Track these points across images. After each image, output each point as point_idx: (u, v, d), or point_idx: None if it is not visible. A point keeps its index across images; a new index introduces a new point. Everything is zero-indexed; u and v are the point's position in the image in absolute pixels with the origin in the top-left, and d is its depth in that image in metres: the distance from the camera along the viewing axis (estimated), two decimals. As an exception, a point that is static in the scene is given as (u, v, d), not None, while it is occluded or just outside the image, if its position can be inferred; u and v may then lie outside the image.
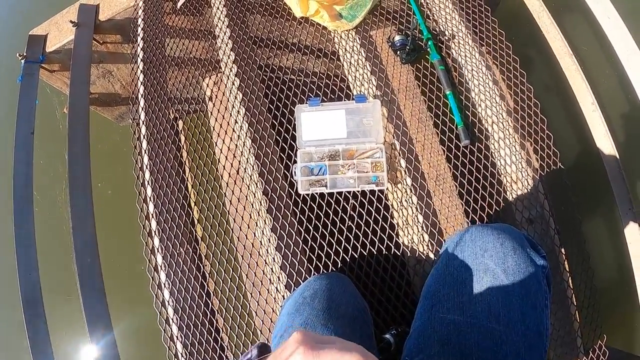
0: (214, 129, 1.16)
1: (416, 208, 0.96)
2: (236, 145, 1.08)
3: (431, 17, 1.16)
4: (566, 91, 1.45)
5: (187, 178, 1.19)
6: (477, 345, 0.55)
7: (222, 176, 1.12)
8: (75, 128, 1.27)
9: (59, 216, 1.47)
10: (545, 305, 0.59)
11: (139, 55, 1.25)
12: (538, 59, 1.73)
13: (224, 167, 1.09)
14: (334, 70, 1.16)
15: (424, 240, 0.95)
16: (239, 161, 1.07)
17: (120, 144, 1.81)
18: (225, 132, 1.11)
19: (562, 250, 1.00)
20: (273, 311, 0.95)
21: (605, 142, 1.33)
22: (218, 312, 1.02)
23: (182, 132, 1.45)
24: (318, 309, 0.69)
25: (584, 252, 1.03)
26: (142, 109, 1.17)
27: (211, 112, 1.19)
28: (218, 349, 0.96)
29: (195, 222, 1.13)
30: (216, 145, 1.13)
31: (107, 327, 1.07)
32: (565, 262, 0.97)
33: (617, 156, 1.30)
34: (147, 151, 1.14)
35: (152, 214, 1.10)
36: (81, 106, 1.29)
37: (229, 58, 1.15)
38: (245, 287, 1.00)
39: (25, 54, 1.43)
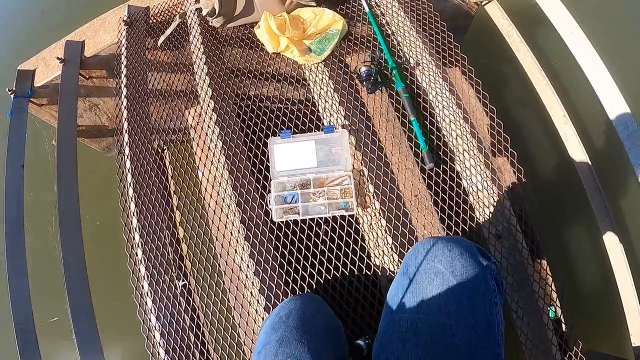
0: (199, 158, 1.22)
1: (385, 230, 1.02)
2: (214, 176, 1.14)
3: (396, 46, 1.23)
4: (539, 106, 1.52)
5: (173, 204, 1.25)
6: (432, 339, 0.63)
7: (204, 200, 1.18)
8: (64, 160, 1.32)
9: (50, 246, 1.52)
10: (494, 302, 0.66)
11: (122, 91, 1.32)
12: (512, 76, 1.80)
13: (208, 193, 1.15)
14: (306, 95, 1.22)
15: (393, 260, 1.00)
16: (217, 191, 1.13)
17: (108, 175, 1.86)
18: (209, 160, 1.18)
19: (532, 262, 1.06)
20: (256, 327, 1.00)
21: (578, 153, 1.39)
22: (204, 327, 1.07)
23: (169, 160, 1.51)
24: (292, 327, 0.76)
25: (557, 263, 1.09)
26: (127, 144, 1.23)
27: (194, 140, 1.25)
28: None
29: (182, 246, 1.18)
30: (200, 172, 1.19)
31: (98, 353, 1.12)
32: (534, 273, 1.02)
33: (591, 165, 1.36)
34: (132, 184, 1.20)
35: (138, 244, 1.15)
36: (69, 138, 1.35)
37: (206, 94, 1.21)
38: (229, 301, 1.05)
39: (14, 89, 1.48)
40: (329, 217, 1.04)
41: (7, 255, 1.30)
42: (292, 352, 0.70)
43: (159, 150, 1.29)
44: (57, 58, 1.45)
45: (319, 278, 1.02)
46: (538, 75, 1.48)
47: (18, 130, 1.45)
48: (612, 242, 1.31)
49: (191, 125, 1.32)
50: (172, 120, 1.39)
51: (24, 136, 1.46)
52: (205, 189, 1.15)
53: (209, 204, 1.13)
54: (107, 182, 1.81)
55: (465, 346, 0.62)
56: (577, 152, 1.41)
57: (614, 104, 1.22)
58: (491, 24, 1.58)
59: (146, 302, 1.11)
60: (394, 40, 1.24)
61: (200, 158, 1.19)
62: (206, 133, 1.18)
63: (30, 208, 1.41)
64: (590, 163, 1.37)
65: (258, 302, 1.02)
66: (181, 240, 1.22)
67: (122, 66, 1.37)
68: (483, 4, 1.53)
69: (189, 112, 1.39)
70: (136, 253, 1.16)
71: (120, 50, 1.42)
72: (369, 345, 0.88)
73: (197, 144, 1.21)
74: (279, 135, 1.08)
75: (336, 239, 1.03)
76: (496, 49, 1.66)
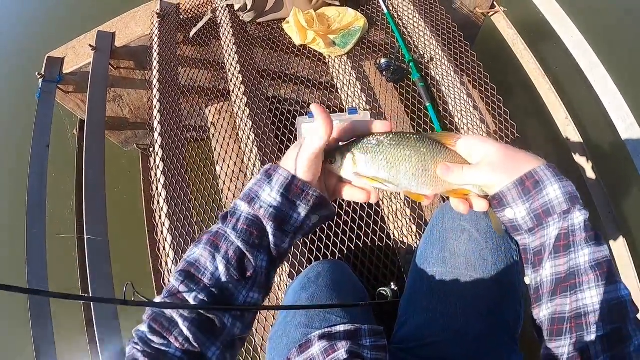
0: (219, 154, 1.28)
1: (403, 203, 1.09)
2: (240, 168, 1.20)
3: (412, 43, 1.34)
4: (542, 108, 1.62)
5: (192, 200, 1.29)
6: (459, 291, 0.66)
7: (222, 192, 1.24)
8: (92, 141, 1.38)
9: (67, 228, 1.55)
10: (515, 261, 0.68)
11: (154, 85, 1.39)
12: (516, 83, 1.92)
13: (227, 186, 1.21)
14: (329, 89, 1.32)
15: (412, 231, 1.07)
16: (243, 183, 1.18)
17: (125, 167, 1.92)
18: (230, 156, 1.25)
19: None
20: (279, 294, 1.04)
21: (581, 152, 1.49)
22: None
23: (187, 157, 1.56)
24: (322, 286, 0.78)
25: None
26: (159, 134, 1.30)
27: (214, 137, 1.32)
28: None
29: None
30: (219, 166, 1.26)
31: (117, 332, 1.11)
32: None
33: (593, 164, 1.45)
34: (164, 172, 1.25)
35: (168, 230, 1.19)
36: (98, 120, 1.41)
37: (239, 90, 1.29)
38: None
39: (43, 74, 1.55)
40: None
41: (27, 229, 1.33)
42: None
43: (181, 146, 1.34)
44: (90, 45, 1.53)
45: (341, 246, 1.07)
46: (541, 80, 1.60)
47: (45, 111, 1.51)
48: (614, 236, 1.37)
49: (211, 122, 1.39)
50: (193, 119, 1.45)
51: (50, 117, 1.52)
52: (229, 178, 1.21)
53: (231, 192, 1.19)
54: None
55: (491, 299, 0.64)
56: (579, 151, 1.50)
57: (613, 100, 1.33)
58: (497, 34, 1.71)
59: (170, 270, 1.15)
60: (410, 38, 1.36)
61: (224, 149, 1.25)
62: (239, 126, 1.25)
63: (50, 189, 1.44)
64: (592, 162, 1.46)
65: (282, 269, 1.07)
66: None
67: (154, 57, 1.46)
68: (490, 14, 1.66)
69: (210, 110, 1.46)
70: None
71: (152, 42, 1.50)
72: (394, 291, 0.92)
73: (217, 140, 1.28)
74: (306, 115, 1.16)
75: (358, 209, 1.09)
76: (500, 58, 1.79)
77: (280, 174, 0.43)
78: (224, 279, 0.42)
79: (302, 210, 0.44)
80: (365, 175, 0.45)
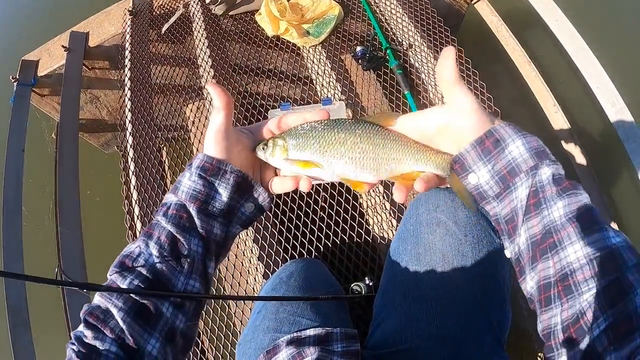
0: (196, 152, 1.23)
1: (383, 196, 1.04)
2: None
3: (390, 30, 1.29)
4: (528, 96, 1.57)
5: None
6: (435, 291, 0.59)
7: None
8: (65, 143, 1.34)
9: (46, 233, 1.51)
10: (500, 255, 0.61)
11: (126, 84, 1.35)
12: (502, 71, 1.87)
13: None
14: (303, 81, 1.27)
15: (392, 225, 1.02)
16: None
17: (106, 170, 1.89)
18: None
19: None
20: (251, 302, 0.99)
21: (570, 140, 1.43)
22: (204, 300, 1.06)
23: (166, 158, 1.52)
24: (294, 287, 0.74)
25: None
26: (130, 134, 1.25)
27: (193, 137, 1.28)
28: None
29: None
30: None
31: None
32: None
33: (582, 150, 1.39)
34: (134, 173, 1.21)
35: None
36: (71, 123, 1.38)
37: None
38: (225, 279, 1.04)
39: (17, 77, 1.52)
40: (327, 184, 1.06)
41: (4, 235, 1.30)
42: (294, 310, 0.69)
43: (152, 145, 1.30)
44: (62, 46, 1.49)
45: (318, 244, 1.02)
46: (527, 67, 1.54)
47: (20, 115, 1.48)
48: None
49: (192, 120, 1.35)
50: (172, 118, 1.41)
51: (25, 122, 1.49)
52: None
53: None
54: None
55: (471, 300, 0.58)
56: (568, 139, 1.45)
57: (601, 85, 1.28)
58: (481, 22, 1.66)
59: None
60: (387, 25, 1.31)
61: (196, 153, 1.21)
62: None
63: (27, 194, 1.41)
64: (581, 149, 1.41)
65: (257, 270, 1.02)
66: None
67: (126, 55, 1.42)
68: (473, 2, 1.61)
69: (190, 109, 1.42)
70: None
71: (124, 40, 1.47)
72: (369, 286, 0.87)
73: (202, 133, 1.24)
74: (279, 108, 1.11)
75: (335, 205, 1.05)
76: (485, 46, 1.74)
77: (197, 157, 0.43)
78: (158, 264, 0.41)
79: (223, 190, 0.43)
80: (297, 159, 0.42)
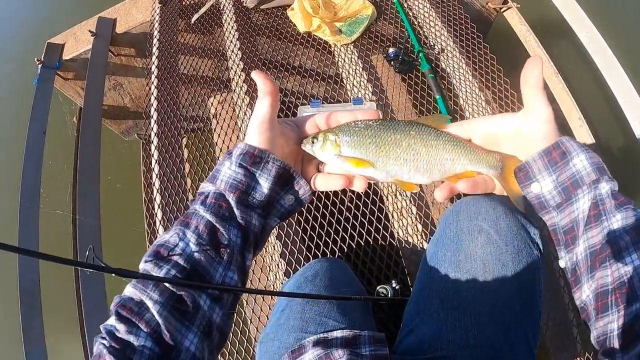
0: (216, 145, 1.23)
1: (410, 200, 1.03)
2: None
3: (422, 34, 1.28)
4: (554, 108, 1.56)
5: (188, 191, 1.24)
6: (474, 299, 0.58)
7: None
8: (88, 128, 1.34)
9: (63, 217, 1.51)
10: (538, 267, 0.60)
11: (153, 72, 1.34)
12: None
13: None
14: (334, 79, 1.26)
15: (417, 230, 1.01)
16: None
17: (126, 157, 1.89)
18: (229, 147, 1.19)
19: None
20: (271, 297, 0.98)
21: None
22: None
23: (185, 149, 1.51)
24: (319, 286, 0.73)
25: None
26: (155, 122, 1.25)
27: (215, 129, 1.27)
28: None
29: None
30: (218, 158, 1.20)
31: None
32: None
33: (606, 165, 1.38)
34: (157, 161, 1.20)
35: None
36: (95, 109, 1.37)
37: (239, 77, 1.24)
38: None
39: (42, 60, 1.51)
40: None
41: (20, 217, 1.29)
42: (320, 310, 0.67)
43: (177, 135, 1.29)
44: (89, 31, 1.49)
45: (342, 244, 1.01)
46: (554, 79, 1.53)
47: (43, 98, 1.48)
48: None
49: (213, 113, 1.34)
50: (193, 109, 1.40)
51: (48, 104, 1.49)
52: None
53: None
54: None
55: (509, 311, 0.57)
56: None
57: (628, 99, 1.26)
58: (509, 30, 1.65)
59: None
60: (420, 28, 1.30)
61: (224, 141, 1.21)
62: (237, 115, 1.20)
63: (45, 176, 1.41)
64: (604, 163, 1.40)
65: (278, 267, 1.01)
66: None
67: (154, 44, 1.41)
68: (502, 10, 1.60)
69: (211, 101, 1.41)
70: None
71: (153, 28, 1.46)
72: (395, 290, 0.86)
73: (222, 127, 1.23)
74: (309, 104, 1.10)
75: (361, 205, 1.04)
76: (512, 55, 1.72)
77: (238, 146, 0.42)
78: (196, 254, 0.39)
79: (264, 181, 0.42)
80: (350, 157, 0.42)
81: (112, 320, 0.37)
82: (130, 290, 0.38)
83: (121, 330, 0.35)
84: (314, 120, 0.46)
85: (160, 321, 0.36)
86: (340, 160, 0.42)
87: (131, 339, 0.35)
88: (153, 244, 0.41)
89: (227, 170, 0.41)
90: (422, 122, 0.42)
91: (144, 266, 0.39)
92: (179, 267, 0.38)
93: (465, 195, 0.44)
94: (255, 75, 0.41)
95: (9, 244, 0.33)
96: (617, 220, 0.36)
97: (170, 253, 0.39)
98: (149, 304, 0.37)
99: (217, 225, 0.40)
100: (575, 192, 0.38)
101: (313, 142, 0.43)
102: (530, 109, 0.40)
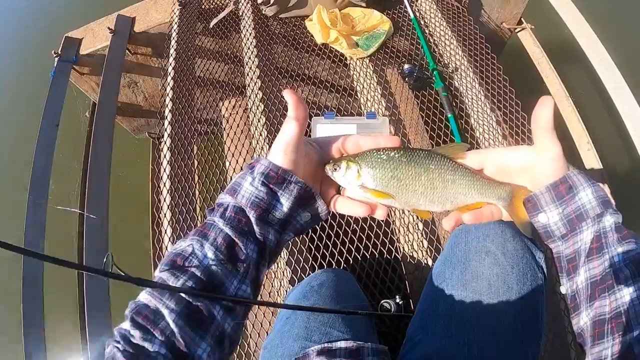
0: (228, 149, 1.24)
1: (416, 216, 1.04)
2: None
3: (437, 51, 1.30)
4: (563, 131, 1.57)
5: (197, 194, 1.25)
6: (479, 318, 0.60)
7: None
8: (102, 124, 1.35)
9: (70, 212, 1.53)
10: (541, 291, 0.63)
11: (169, 73, 1.36)
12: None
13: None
14: (348, 92, 1.27)
15: (422, 246, 1.02)
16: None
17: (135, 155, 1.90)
18: (240, 152, 1.21)
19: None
20: (279, 300, 0.99)
21: (600, 179, 1.42)
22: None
23: (198, 150, 1.52)
24: (325, 296, 0.74)
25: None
26: (169, 123, 1.26)
27: (226, 132, 1.28)
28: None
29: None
30: (228, 161, 1.21)
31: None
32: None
33: (612, 192, 1.38)
34: (169, 162, 1.21)
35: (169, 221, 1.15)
36: (109, 106, 1.39)
37: (255, 84, 1.25)
38: None
39: (59, 53, 1.53)
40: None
41: (28, 209, 1.30)
42: (325, 320, 0.69)
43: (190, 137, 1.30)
44: (108, 28, 1.51)
45: (347, 256, 1.02)
46: (565, 102, 1.54)
47: (58, 90, 1.49)
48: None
49: (225, 116, 1.35)
50: (207, 112, 1.41)
51: (62, 97, 1.50)
52: (231, 177, 1.17)
53: None
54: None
55: (511, 332, 0.59)
56: (598, 178, 1.44)
57: (637, 127, 1.27)
58: (522, 51, 1.66)
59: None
60: (435, 46, 1.31)
61: (236, 146, 1.22)
62: (251, 122, 1.21)
63: (55, 172, 1.42)
64: (610, 189, 1.40)
65: (284, 274, 1.03)
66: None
67: (172, 45, 1.43)
68: (516, 31, 1.62)
69: (224, 105, 1.42)
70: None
71: (172, 30, 1.48)
72: (398, 305, 0.87)
73: (229, 135, 1.24)
74: (322, 116, 1.11)
75: (368, 218, 1.05)
76: (524, 75, 1.74)
77: (261, 163, 0.43)
78: (213, 266, 0.40)
79: (285, 201, 0.43)
80: (372, 189, 0.43)
81: (126, 325, 0.37)
82: (146, 297, 0.39)
83: (136, 336, 0.36)
84: (338, 143, 0.47)
85: (175, 330, 0.37)
86: (362, 191, 0.44)
87: (146, 345, 0.36)
88: (169, 251, 0.42)
89: (249, 187, 0.42)
90: (441, 153, 0.44)
91: (161, 274, 0.40)
92: (195, 278, 0.39)
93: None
94: (288, 96, 0.41)
95: (28, 249, 0.34)
96: (619, 253, 0.38)
97: (186, 263, 0.40)
98: (165, 312, 0.38)
99: (236, 240, 0.41)
100: (579, 225, 0.40)
101: (336, 169, 0.44)
102: (541, 148, 0.41)
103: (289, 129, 0.42)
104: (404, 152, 0.44)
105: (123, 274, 0.48)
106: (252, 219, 0.42)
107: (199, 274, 0.39)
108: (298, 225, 0.46)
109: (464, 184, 0.44)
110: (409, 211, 1.06)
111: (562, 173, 0.41)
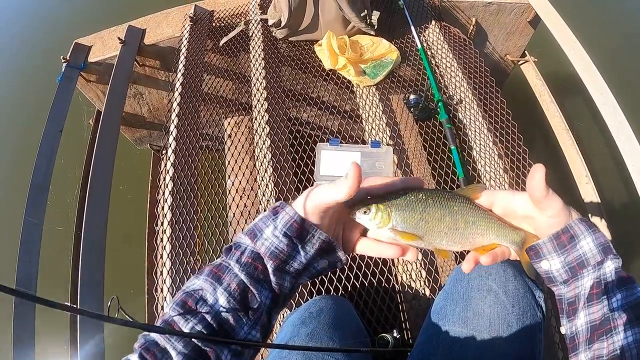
0: (232, 168, 1.24)
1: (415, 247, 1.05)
2: (251, 185, 1.16)
3: (442, 83, 1.33)
4: (562, 164, 1.59)
5: (199, 211, 1.24)
6: (479, 356, 0.61)
7: (229, 207, 1.19)
8: (106, 133, 1.35)
9: (67, 217, 1.52)
10: (539, 329, 0.66)
11: (177, 88, 1.37)
12: (538, 134, 1.89)
13: (235, 202, 1.17)
14: (353, 118, 1.29)
15: (421, 276, 1.02)
16: (260, 200, 1.15)
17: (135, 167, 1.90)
18: (242, 172, 1.21)
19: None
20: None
21: (598, 213, 1.45)
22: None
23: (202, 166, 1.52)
24: (324, 323, 0.74)
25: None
26: (174, 139, 1.26)
27: (229, 149, 1.29)
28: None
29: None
30: (230, 180, 1.22)
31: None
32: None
33: (609, 226, 1.40)
34: (172, 178, 1.21)
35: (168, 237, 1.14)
36: (114, 115, 1.39)
37: (262, 106, 1.27)
38: None
39: (68, 58, 1.54)
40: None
41: (27, 210, 1.29)
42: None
43: (194, 154, 1.30)
44: (118, 38, 1.52)
45: (346, 283, 1.03)
46: (565, 135, 1.57)
47: (64, 96, 1.49)
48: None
49: (228, 133, 1.36)
50: (210, 127, 1.42)
51: (68, 103, 1.50)
52: (233, 198, 1.19)
53: (233, 214, 1.15)
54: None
55: None
56: (596, 212, 1.46)
57: (636, 163, 1.29)
58: (524, 83, 1.70)
59: (165, 281, 1.11)
60: (441, 77, 1.34)
61: (236, 161, 1.22)
62: (256, 143, 1.22)
63: (57, 175, 1.41)
64: (608, 224, 1.42)
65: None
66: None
67: (181, 60, 1.44)
68: (520, 63, 1.65)
69: (228, 122, 1.43)
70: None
71: (182, 45, 1.49)
72: (396, 339, 0.87)
73: (236, 148, 1.26)
74: (327, 142, 1.13)
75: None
76: (524, 107, 1.77)
77: (286, 212, 0.42)
78: (224, 312, 0.40)
79: (306, 253, 0.43)
80: (403, 232, 0.44)
81: (134, 358, 0.38)
82: (156, 335, 0.39)
83: None
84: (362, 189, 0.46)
85: None
86: (393, 234, 0.44)
87: None
88: (181, 290, 0.42)
89: (271, 236, 0.41)
90: (461, 194, 0.46)
91: (171, 314, 0.40)
92: (205, 322, 0.39)
93: None
94: (353, 168, 0.39)
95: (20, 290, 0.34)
96: (618, 299, 0.40)
97: (197, 306, 0.40)
98: (172, 353, 0.38)
99: (250, 287, 0.41)
100: (581, 271, 0.42)
101: (365, 212, 0.44)
102: (542, 208, 0.43)
103: (333, 194, 0.40)
104: (430, 193, 0.45)
105: (130, 320, 0.47)
106: (270, 269, 0.42)
107: (209, 319, 0.39)
108: (314, 271, 0.46)
109: (483, 225, 0.45)
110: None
111: (564, 223, 0.42)
